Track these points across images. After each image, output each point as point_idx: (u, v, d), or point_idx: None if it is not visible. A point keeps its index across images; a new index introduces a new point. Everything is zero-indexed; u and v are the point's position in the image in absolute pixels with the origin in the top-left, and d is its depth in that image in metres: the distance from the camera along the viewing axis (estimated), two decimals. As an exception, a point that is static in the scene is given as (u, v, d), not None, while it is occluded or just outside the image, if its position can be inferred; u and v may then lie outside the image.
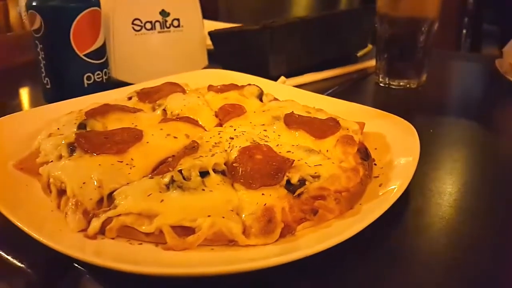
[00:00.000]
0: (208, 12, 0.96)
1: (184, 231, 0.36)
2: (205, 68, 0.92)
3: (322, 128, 0.52)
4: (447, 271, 0.38)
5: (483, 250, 0.41)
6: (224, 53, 0.97)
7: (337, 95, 0.87)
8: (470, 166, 0.59)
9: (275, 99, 0.66)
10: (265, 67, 0.89)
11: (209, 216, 0.37)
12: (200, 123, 0.55)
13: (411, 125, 0.56)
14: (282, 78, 0.87)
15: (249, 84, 0.66)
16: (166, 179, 0.40)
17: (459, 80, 1.02)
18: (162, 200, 0.38)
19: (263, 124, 0.55)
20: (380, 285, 0.36)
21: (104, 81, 0.76)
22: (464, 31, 2.28)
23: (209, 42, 0.97)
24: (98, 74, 0.75)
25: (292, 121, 0.53)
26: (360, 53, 1.10)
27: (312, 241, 0.37)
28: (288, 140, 0.50)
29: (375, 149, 0.54)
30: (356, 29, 1.08)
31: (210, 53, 0.97)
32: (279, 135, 0.51)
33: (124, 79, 0.82)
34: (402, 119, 0.58)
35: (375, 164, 0.51)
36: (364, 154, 0.51)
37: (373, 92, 0.89)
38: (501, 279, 0.38)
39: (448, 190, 0.51)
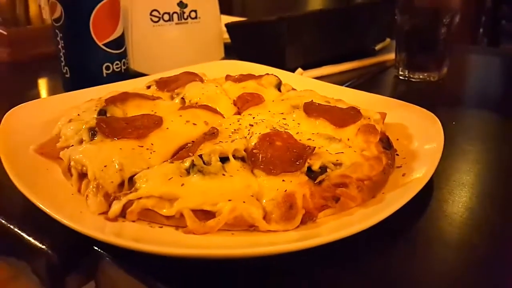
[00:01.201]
0: (223, 7, 0.96)
1: (205, 215, 0.36)
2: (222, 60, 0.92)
3: (343, 116, 0.51)
4: (471, 261, 0.37)
5: (507, 240, 0.40)
6: (241, 45, 0.96)
7: (355, 87, 0.86)
8: (494, 157, 0.57)
9: (293, 89, 0.65)
10: (282, 59, 0.88)
11: (229, 200, 0.36)
12: (219, 111, 0.54)
13: (433, 114, 0.54)
14: (300, 70, 0.86)
15: (267, 74, 0.66)
16: (187, 163, 0.40)
17: (479, 73, 1.00)
18: (182, 184, 0.37)
19: (282, 113, 0.54)
20: (403, 274, 0.36)
21: (123, 71, 0.76)
22: (481, 30, 2.25)
23: (226, 35, 0.97)
24: (117, 64, 0.75)
25: (312, 109, 0.52)
26: (378, 47, 1.08)
27: (334, 228, 0.37)
28: (308, 128, 0.50)
29: (397, 139, 0.53)
30: (374, 22, 1.06)
31: (227, 47, 0.97)
32: (298, 123, 0.51)
33: (141, 70, 0.83)
34: (424, 109, 0.57)
35: (397, 155, 0.50)
36: (386, 144, 0.50)
37: (393, 85, 0.87)
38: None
39: (472, 180, 0.49)
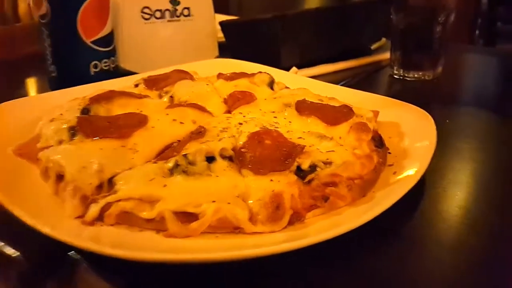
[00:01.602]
0: (219, 6, 0.94)
1: (187, 217, 0.34)
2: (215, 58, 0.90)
3: (335, 114, 0.49)
4: (466, 261, 0.36)
5: (501, 238, 0.38)
6: (235, 44, 0.94)
7: (350, 86, 0.85)
8: (489, 156, 0.56)
9: (287, 87, 0.64)
10: (276, 57, 0.86)
11: (213, 201, 0.35)
12: (208, 109, 0.53)
13: (426, 112, 0.53)
14: (294, 68, 0.84)
15: (260, 72, 0.64)
16: (170, 163, 0.38)
17: (474, 72, 0.99)
18: (165, 185, 0.36)
19: (274, 111, 0.52)
20: (396, 273, 0.34)
21: (111, 69, 0.74)
22: (477, 32, 2.24)
23: (220, 34, 0.95)
24: (105, 62, 0.73)
25: (303, 107, 0.51)
26: (374, 46, 1.07)
27: (322, 228, 0.35)
28: (299, 126, 0.48)
29: (389, 137, 0.51)
30: (370, 21, 1.04)
31: (222, 45, 0.95)
32: (290, 122, 0.49)
33: (132, 68, 0.81)
34: (417, 108, 0.55)
35: (390, 153, 0.49)
36: (378, 142, 0.48)
37: (388, 84, 0.86)
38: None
39: (466, 179, 0.48)
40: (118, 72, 0.76)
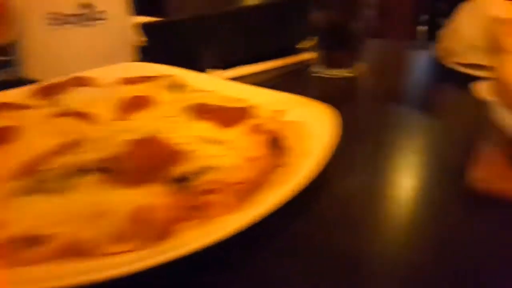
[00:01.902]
0: (153, 8, 0.90)
1: (33, 242, 0.30)
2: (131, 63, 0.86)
3: (231, 116, 0.47)
4: (348, 264, 0.34)
5: (403, 241, 0.37)
6: (157, 47, 0.90)
7: (274, 86, 0.83)
8: (395, 154, 0.55)
9: (196, 90, 0.60)
10: (197, 59, 0.83)
11: (68, 222, 0.31)
12: (96, 117, 0.49)
13: (334, 110, 0.51)
14: (215, 70, 0.81)
15: (165, 75, 0.61)
16: (24, 181, 0.34)
17: (399, 67, 0.99)
18: (9, 207, 0.32)
19: (170, 116, 0.49)
20: (282, 278, 0.32)
21: (12, 80, 0.69)
22: (421, 27, 2.31)
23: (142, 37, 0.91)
24: (4, 73, 0.68)
25: (199, 111, 0.48)
26: (302, 45, 1.06)
27: (194, 239, 0.32)
28: (191, 131, 0.45)
29: (291, 137, 0.49)
30: (298, 20, 1.03)
31: (144, 49, 0.91)
32: (182, 127, 0.46)
33: (38, 78, 0.75)
34: (326, 106, 0.53)
35: (289, 154, 0.46)
36: (276, 143, 0.46)
37: (311, 83, 0.84)
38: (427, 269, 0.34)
39: (370, 183, 0.46)
40: (22, 83, 0.70)
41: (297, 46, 1.03)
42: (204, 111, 0.48)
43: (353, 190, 0.44)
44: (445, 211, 0.41)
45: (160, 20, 0.92)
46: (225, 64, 0.86)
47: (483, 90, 0.49)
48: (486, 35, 0.48)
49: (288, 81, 0.86)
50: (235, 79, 0.82)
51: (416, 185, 0.46)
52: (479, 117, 0.48)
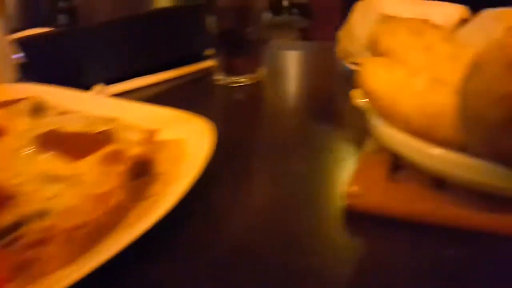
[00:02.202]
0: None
1: None
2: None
3: (84, 145, 0.41)
4: None
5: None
6: (38, 63, 0.82)
7: (168, 98, 0.78)
8: (280, 164, 0.52)
9: (61, 113, 0.54)
10: (82, 75, 0.76)
11: None
12: None
13: (211, 125, 0.48)
14: (99, 86, 0.74)
15: (28, 97, 0.54)
16: None
17: (301, 70, 0.98)
18: None
19: (17, 149, 0.42)
20: None
21: None
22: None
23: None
24: None
25: (48, 141, 0.42)
26: (210, 52, 1.01)
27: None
28: (33, 167, 0.39)
29: (164, 161, 0.44)
30: (198, 27, 0.99)
31: (23, 67, 0.82)
32: (25, 162, 0.39)
33: None
34: (204, 120, 0.49)
35: (160, 181, 0.42)
36: (139, 170, 0.41)
37: (210, 92, 0.81)
38: None
39: (246, 205, 0.43)
40: None
41: (204, 53, 0.98)
42: (51, 142, 0.42)
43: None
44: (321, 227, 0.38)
45: (37, 34, 0.84)
46: (121, 77, 0.79)
47: (359, 96, 0.48)
48: (368, 34, 0.46)
49: (188, 91, 0.81)
50: (125, 93, 0.77)
51: (293, 200, 0.43)
52: (361, 125, 0.46)
